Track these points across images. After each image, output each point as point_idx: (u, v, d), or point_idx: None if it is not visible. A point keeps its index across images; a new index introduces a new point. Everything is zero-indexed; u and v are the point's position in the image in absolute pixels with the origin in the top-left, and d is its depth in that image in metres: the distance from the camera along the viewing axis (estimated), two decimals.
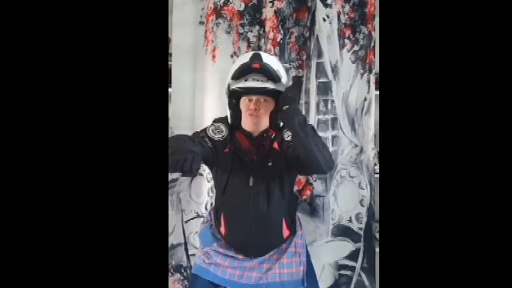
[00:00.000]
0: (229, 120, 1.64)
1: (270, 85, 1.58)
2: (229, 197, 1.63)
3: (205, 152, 1.55)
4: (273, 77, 1.58)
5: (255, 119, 1.60)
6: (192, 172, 1.41)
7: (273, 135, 1.64)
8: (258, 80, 1.58)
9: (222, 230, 1.68)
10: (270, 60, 1.60)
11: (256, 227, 1.63)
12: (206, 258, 1.69)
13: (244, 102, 1.61)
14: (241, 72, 1.58)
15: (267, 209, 1.61)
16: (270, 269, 1.67)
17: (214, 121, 1.68)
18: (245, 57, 1.59)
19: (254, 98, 1.59)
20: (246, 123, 1.62)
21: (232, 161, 1.60)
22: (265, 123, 1.62)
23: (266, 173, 1.60)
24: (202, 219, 1.90)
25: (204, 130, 1.62)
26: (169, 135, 2.23)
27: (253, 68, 1.57)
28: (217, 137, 1.58)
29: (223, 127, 1.60)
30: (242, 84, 1.59)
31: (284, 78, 1.62)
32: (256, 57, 1.57)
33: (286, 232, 1.69)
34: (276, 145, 1.62)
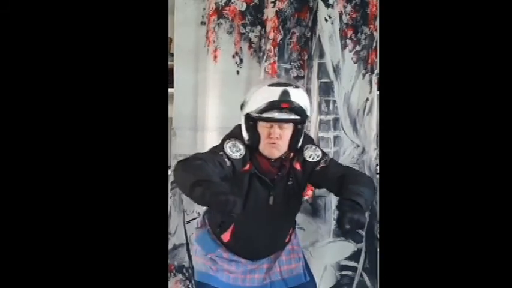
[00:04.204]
0: (246, 141, 1.57)
1: (295, 117, 1.52)
2: (248, 214, 1.54)
3: (224, 172, 1.50)
4: (300, 114, 1.52)
5: (276, 148, 1.54)
6: (232, 217, 1.30)
7: (291, 155, 1.60)
8: (281, 113, 1.50)
9: (225, 237, 1.64)
10: (298, 97, 1.52)
11: (266, 237, 1.63)
12: (212, 264, 1.66)
13: (263, 127, 1.53)
14: (268, 110, 1.50)
15: (284, 224, 1.64)
16: (270, 268, 1.67)
17: (229, 136, 1.61)
18: (273, 94, 1.49)
19: (275, 125, 1.52)
20: (266, 150, 1.55)
21: (250, 180, 1.56)
22: (284, 148, 1.56)
23: (285, 191, 1.58)
24: (196, 222, 1.84)
25: (222, 147, 1.54)
26: (172, 136, 2.24)
27: (282, 107, 1.49)
28: (235, 155, 1.52)
29: (240, 145, 1.54)
30: (266, 114, 1.51)
31: (309, 111, 1.56)
32: (286, 95, 1.49)
33: (288, 238, 1.71)
34: (297, 165, 1.60)
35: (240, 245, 1.64)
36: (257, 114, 1.51)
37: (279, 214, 1.59)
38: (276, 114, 1.50)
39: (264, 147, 1.55)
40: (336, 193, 1.56)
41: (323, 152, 1.64)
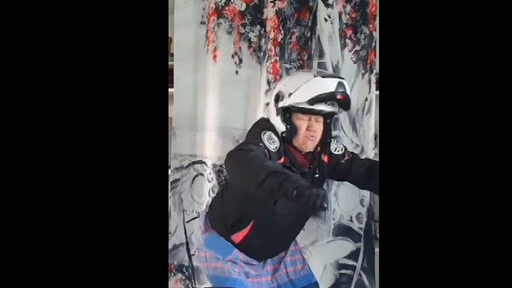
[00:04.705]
0: (280, 134, 1.56)
1: (336, 109, 1.56)
2: (278, 208, 1.53)
3: None
4: (347, 106, 1.56)
5: (312, 141, 1.56)
6: (323, 209, 1.23)
7: (319, 148, 1.62)
8: (326, 104, 1.53)
9: (237, 237, 1.60)
10: (348, 89, 1.55)
11: (283, 236, 1.62)
12: (234, 267, 1.60)
13: (301, 119, 1.55)
14: (323, 100, 1.51)
15: (303, 220, 1.64)
16: (276, 270, 1.66)
17: (257, 126, 1.61)
18: (329, 85, 1.51)
19: (313, 118, 1.55)
20: (302, 143, 1.56)
21: None
22: (317, 141, 1.58)
23: (312, 184, 1.57)
24: (198, 227, 1.77)
25: (259, 139, 1.52)
26: (171, 136, 2.25)
27: (338, 98, 1.51)
28: (272, 147, 1.51)
29: (275, 137, 1.54)
30: (309, 106, 1.52)
31: None
32: (341, 87, 1.51)
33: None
34: (325, 158, 1.62)
35: (253, 245, 1.60)
36: (308, 106, 1.51)
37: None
38: (323, 107, 1.53)
39: (301, 140, 1.55)
40: (362, 184, 1.66)
41: (344, 146, 1.70)
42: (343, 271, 2.24)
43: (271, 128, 1.57)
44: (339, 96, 1.50)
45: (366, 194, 2.23)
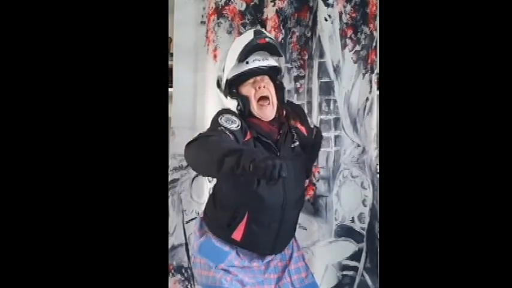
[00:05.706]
0: (236, 111, 1.53)
1: (273, 62, 1.53)
2: (261, 190, 1.48)
3: None
4: (277, 51, 1.52)
5: (268, 108, 1.52)
6: (281, 178, 1.21)
7: (284, 112, 1.57)
8: (259, 60, 1.51)
9: (238, 235, 1.54)
10: (270, 34, 1.56)
11: (284, 221, 1.55)
12: (225, 275, 1.53)
13: (246, 88, 1.52)
14: (248, 52, 1.48)
15: (299, 197, 1.58)
16: (279, 278, 1.61)
17: (219, 114, 1.55)
18: (247, 36, 1.50)
19: (257, 79, 1.52)
20: (260, 113, 1.53)
21: (255, 147, 1.49)
22: (275, 103, 1.54)
23: (291, 155, 1.54)
24: (193, 232, 1.72)
25: (218, 124, 1.47)
26: (170, 135, 2.24)
27: (260, 44, 1.48)
28: (234, 126, 1.46)
29: (233, 117, 1.49)
30: (245, 67, 1.50)
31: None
32: (260, 33, 1.50)
33: (294, 241, 1.68)
34: (303, 129, 1.59)
35: (256, 238, 1.54)
36: (244, 68, 1.50)
37: (291, 183, 1.51)
38: (252, 62, 1.50)
39: (257, 111, 1.52)
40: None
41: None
42: (345, 272, 2.24)
43: (228, 111, 1.53)
44: (260, 41, 1.48)
45: (369, 194, 2.23)
